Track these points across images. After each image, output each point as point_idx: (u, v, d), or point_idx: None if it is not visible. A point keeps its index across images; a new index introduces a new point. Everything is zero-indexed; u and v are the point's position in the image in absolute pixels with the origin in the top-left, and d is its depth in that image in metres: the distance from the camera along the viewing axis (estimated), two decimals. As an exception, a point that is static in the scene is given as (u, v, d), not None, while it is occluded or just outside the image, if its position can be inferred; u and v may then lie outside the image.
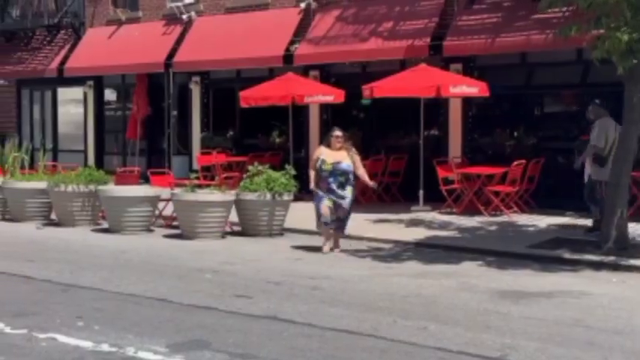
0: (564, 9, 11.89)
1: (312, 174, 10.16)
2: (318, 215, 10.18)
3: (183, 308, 7.13)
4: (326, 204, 10.05)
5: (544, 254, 9.87)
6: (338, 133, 10.26)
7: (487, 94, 13.34)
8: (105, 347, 5.83)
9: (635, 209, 11.74)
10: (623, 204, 9.96)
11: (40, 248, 10.66)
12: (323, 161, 10.04)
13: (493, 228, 11.90)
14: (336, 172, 10.02)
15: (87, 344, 5.90)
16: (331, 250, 10.21)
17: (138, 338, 6.06)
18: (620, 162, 10.01)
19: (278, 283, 8.29)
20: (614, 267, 9.21)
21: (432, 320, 6.68)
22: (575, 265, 9.38)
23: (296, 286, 8.08)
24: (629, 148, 9.96)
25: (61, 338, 6.06)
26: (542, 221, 12.31)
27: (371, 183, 10.66)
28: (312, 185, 10.16)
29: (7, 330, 6.32)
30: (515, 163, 12.93)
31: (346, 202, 10.07)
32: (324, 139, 10.46)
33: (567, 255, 9.74)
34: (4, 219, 13.65)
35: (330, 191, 10.05)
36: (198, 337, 6.11)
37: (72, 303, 7.31)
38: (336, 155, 10.11)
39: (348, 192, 10.08)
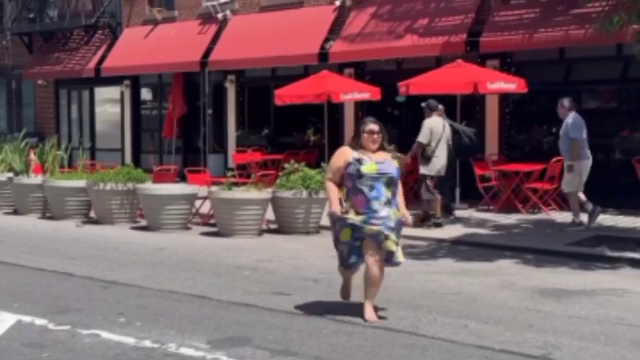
0: (604, 3, 11.72)
1: (332, 190, 6.58)
2: (343, 259, 6.70)
3: (223, 305, 7.17)
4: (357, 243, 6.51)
5: (583, 252, 9.74)
6: (373, 126, 6.58)
7: (525, 90, 13.21)
8: (147, 343, 5.89)
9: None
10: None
11: (80, 245, 10.79)
12: (358, 162, 6.46)
13: (531, 226, 11.77)
14: (382, 178, 6.44)
15: (129, 340, 5.97)
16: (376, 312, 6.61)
17: (179, 335, 6.10)
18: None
19: (316, 281, 8.29)
20: (657, 265, 9.07)
21: (472, 318, 6.63)
22: (615, 262, 9.25)
23: (333, 283, 8.04)
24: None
25: (104, 334, 6.13)
26: (581, 219, 12.12)
27: (409, 218, 6.73)
28: (334, 207, 6.47)
29: (51, 326, 6.41)
30: (554, 159, 12.78)
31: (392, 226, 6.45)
32: (353, 138, 6.77)
33: (608, 253, 9.61)
34: (44, 217, 13.85)
35: (369, 214, 6.39)
36: (239, 334, 6.14)
37: (113, 300, 7.39)
38: (376, 156, 6.58)
39: (394, 215, 6.48)
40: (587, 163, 11.34)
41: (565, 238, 10.58)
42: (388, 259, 6.46)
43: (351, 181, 6.44)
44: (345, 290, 6.99)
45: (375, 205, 6.36)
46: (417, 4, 15.41)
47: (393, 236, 6.38)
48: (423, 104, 12.32)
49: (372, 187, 6.36)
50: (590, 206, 11.25)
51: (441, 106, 12.30)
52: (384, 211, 6.37)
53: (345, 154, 6.60)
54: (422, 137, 11.78)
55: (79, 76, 21.35)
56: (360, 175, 6.38)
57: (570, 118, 11.35)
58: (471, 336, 6.08)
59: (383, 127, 6.62)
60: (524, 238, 10.83)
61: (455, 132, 12.19)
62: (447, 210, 12.39)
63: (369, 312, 6.49)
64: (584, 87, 14.50)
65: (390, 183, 6.44)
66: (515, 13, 14.10)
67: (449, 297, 7.53)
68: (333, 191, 6.53)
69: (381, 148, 6.61)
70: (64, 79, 22.43)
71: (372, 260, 6.42)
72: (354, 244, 6.47)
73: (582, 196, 11.28)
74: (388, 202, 6.40)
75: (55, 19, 22.75)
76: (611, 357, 5.62)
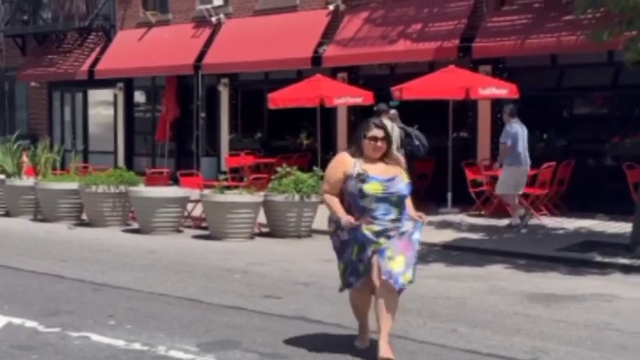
0: (595, 10, 11.79)
1: (332, 200, 5.57)
2: (345, 280, 5.71)
3: (213, 308, 7.19)
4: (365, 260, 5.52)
5: (574, 257, 9.79)
6: (377, 132, 5.58)
7: (517, 95, 13.27)
8: (137, 346, 5.90)
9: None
10: (655, 207, 9.87)
11: (72, 248, 10.79)
12: (360, 179, 5.45)
13: (522, 231, 11.82)
14: (390, 198, 5.47)
15: (119, 343, 5.98)
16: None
17: (169, 337, 6.12)
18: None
19: (307, 284, 8.32)
20: (646, 270, 9.12)
21: (461, 322, 6.67)
22: (604, 268, 9.30)
23: (325, 287, 8.09)
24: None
25: (94, 337, 6.14)
26: (572, 224, 12.21)
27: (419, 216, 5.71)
28: (343, 216, 5.48)
29: (41, 328, 6.41)
30: (545, 165, 12.85)
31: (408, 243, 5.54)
32: (351, 143, 5.82)
33: (597, 258, 9.66)
34: (36, 219, 13.84)
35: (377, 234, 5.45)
36: (228, 337, 6.16)
37: (104, 302, 7.40)
38: (381, 169, 5.56)
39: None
40: (520, 170, 11.86)
41: (556, 243, 10.63)
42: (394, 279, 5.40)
43: (352, 199, 5.50)
44: (361, 333, 5.85)
45: (383, 221, 5.44)
46: (410, 9, 15.47)
47: (402, 257, 5.41)
48: (375, 108, 12.92)
49: (378, 207, 5.43)
50: (522, 211, 11.92)
51: (393, 111, 12.92)
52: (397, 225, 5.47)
53: (344, 164, 5.56)
54: None
55: (73, 78, 21.35)
56: (362, 195, 5.44)
57: (509, 124, 12.02)
58: (459, 340, 6.12)
59: (389, 132, 5.72)
60: (515, 243, 10.88)
61: (407, 135, 12.66)
62: None
63: (383, 349, 5.39)
64: (576, 93, 14.59)
65: (400, 202, 5.49)
66: (508, 19, 14.18)
67: (439, 301, 7.57)
68: (335, 201, 5.54)
69: (386, 156, 5.61)
70: (57, 81, 22.42)
71: (380, 285, 5.42)
72: (356, 264, 5.53)
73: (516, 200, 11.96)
74: (398, 220, 5.48)
75: (48, 22, 22.76)
76: (598, 362, 5.67)
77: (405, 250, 5.46)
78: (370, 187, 5.42)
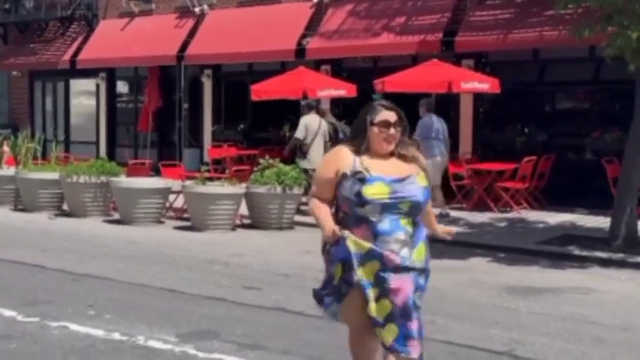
0: (577, 5, 11.86)
1: (317, 207, 4.10)
2: (319, 297, 4.22)
3: (193, 299, 7.19)
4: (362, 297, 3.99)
5: (553, 251, 9.88)
6: (389, 115, 4.06)
7: (498, 90, 13.32)
8: (116, 336, 5.90)
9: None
10: (633, 202, 9.97)
11: (52, 238, 10.75)
12: (359, 178, 3.95)
13: (503, 224, 11.90)
14: (398, 206, 3.96)
15: (98, 333, 5.98)
16: None
17: (148, 328, 6.12)
18: (630, 159, 10.01)
19: (287, 276, 8.34)
20: (623, 264, 9.22)
21: (440, 314, 6.70)
22: (583, 261, 9.39)
23: (305, 278, 8.11)
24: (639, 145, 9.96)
25: (73, 327, 6.13)
26: (552, 218, 12.31)
27: (448, 232, 4.44)
28: (327, 226, 3.98)
29: (20, 318, 6.40)
30: (526, 159, 12.93)
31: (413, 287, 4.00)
32: (353, 134, 4.19)
33: (576, 252, 9.76)
34: (16, 209, 13.76)
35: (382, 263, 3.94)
36: (208, 328, 6.18)
37: (83, 292, 7.39)
38: (390, 166, 4.05)
39: (419, 255, 4.04)
40: (435, 161, 12.09)
41: (536, 236, 10.72)
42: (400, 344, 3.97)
43: (348, 207, 3.97)
44: None
45: (387, 242, 3.91)
46: (394, 2, 15.49)
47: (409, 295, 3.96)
48: (303, 102, 13.29)
49: (382, 220, 3.90)
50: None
51: (324, 106, 13.56)
52: (404, 252, 3.93)
53: (339, 161, 4.03)
54: (298, 133, 12.77)
55: (55, 67, 21.18)
56: (361, 202, 3.88)
57: (425, 118, 12.50)
58: (437, 332, 6.16)
59: (404, 117, 4.10)
60: (496, 236, 10.95)
61: (335, 130, 13.24)
62: None
63: None
64: (557, 88, 14.68)
65: (414, 212, 3.98)
66: (491, 14, 14.23)
67: (418, 293, 7.60)
68: (321, 209, 4.04)
69: (400, 148, 4.05)
70: (39, 70, 22.25)
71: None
72: (339, 288, 4.04)
73: None
74: (410, 239, 3.95)
75: (30, 10, 22.56)
76: (574, 353, 5.73)
77: (401, 295, 3.90)
78: (371, 191, 3.87)
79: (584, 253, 9.64)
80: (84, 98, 22.10)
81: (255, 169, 12.30)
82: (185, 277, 8.16)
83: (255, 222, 11.79)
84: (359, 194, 3.91)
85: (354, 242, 3.94)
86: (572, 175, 13.37)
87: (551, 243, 10.29)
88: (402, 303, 3.92)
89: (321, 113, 13.36)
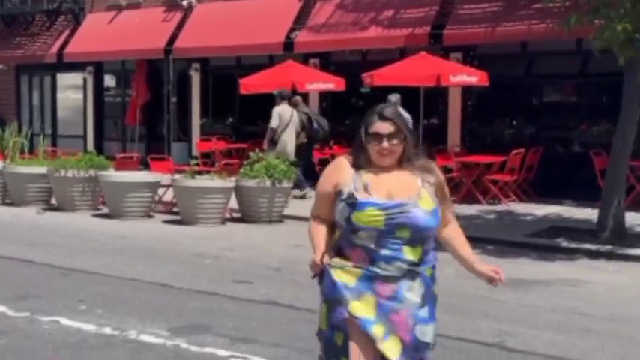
0: (564, -1, 11.93)
1: (313, 233, 3.55)
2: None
3: (184, 293, 7.20)
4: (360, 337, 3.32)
5: (542, 243, 9.94)
6: (381, 127, 3.40)
7: (486, 83, 13.37)
8: (107, 330, 5.90)
9: (632, 199, 11.81)
10: (620, 193, 10.04)
11: (40, 233, 10.71)
12: (351, 203, 3.34)
13: (491, 217, 11.96)
14: (399, 232, 3.33)
15: (89, 327, 5.97)
16: None
17: (140, 322, 6.12)
18: (617, 152, 10.07)
19: (277, 269, 8.35)
20: (611, 256, 9.29)
21: (430, 307, 6.74)
22: (572, 253, 9.46)
23: (295, 272, 8.13)
24: (628, 138, 10.02)
25: (64, 321, 6.13)
26: (540, 210, 12.38)
27: (496, 276, 3.58)
28: (317, 257, 3.42)
29: (10, 313, 6.38)
30: (514, 152, 12.98)
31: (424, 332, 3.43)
32: (355, 144, 3.48)
33: (564, 244, 9.82)
34: (4, 203, 13.69)
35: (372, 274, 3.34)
36: (199, 322, 6.18)
37: (73, 287, 7.37)
38: (394, 182, 3.40)
39: (416, 296, 3.42)
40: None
41: (524, 229, 10.77)
42: None
43: (341, 229, 3.43)
44: None
45: (386, 269, 3.33)
46: (382, -5, 15.49)
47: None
48: (275, 92, 13.60)
49: (381, 245, 3.33)
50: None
51: (298, 97, 13.86)
52: (402, 283, 3.35)
53: (337, 173, 3.47)
54: (272, 123, 13.16)
55: (41, 61, 21.06)
56: (352, 229, 3.34)
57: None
58: (428, 324, 6.19)
59: (406, 122, 3.48)
60: (485, 228, 11.00)
61: (309, 120, 13.61)
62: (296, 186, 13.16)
63: None
64: (545, 81, 14.74)
65: (417, 239, 3.37)
66: (479, 7, 14.26)
67: (408, 286, 7.64)
68: (315, 232, 3.51)
69: (407, 161, 3.43)
70: (25, 64, 22.11)
71: None
72: (330, 338, 3.40)
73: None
74: (414, 267, 3.37)
75: (17, 4, 22.39)
76: (563, 344, 5.78)
77: (404, 330, 3.35)
78: (362, 218, 3.32)
79: (573, 245, 9.70)
80: (71, 92, 21.98)
81: (245, 162, 12.29)
82: (175, 272, 8.16)
83: (245, 216, 11.79)
84: (348, 220, 3.34)
85: (343, 270, 3.34)
86: (560, 167, 13.44)
87: (540, 235, 10.35)
88: (409, 339, 3.35)
89: (293, 104, 13.63)
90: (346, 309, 3.30)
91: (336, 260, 3.38)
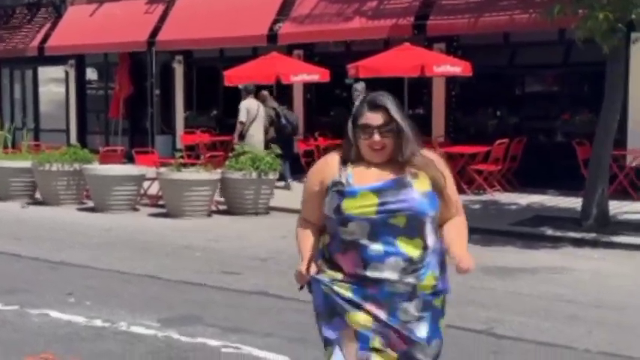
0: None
1: (300, 238, 3.24)
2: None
3: (173, 285, 7.21)
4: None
5: (526, 231, 10.02)
6: (372, 118, 3.08)
7: (470, 73, 13.43)
8: (98, 322, 5.90)
9: (615, 187, 11.93)
10: (604, 182, 10.13)
11: (26, 227, 10.66)
12: (340, 190, 3.04)
13: (476, 206, 12.03)
14: (389, 222, 3.01)
15: (79, 319, 5.97)
16: None
17: (130, 314, 6.13)
18: (600, 141, 10.17)
19: (265, 260, 8.38)
20: (595, 243, 9.38)
21: (418, 295, 6.79)
22: (556, 242, 9.54)
23: (283, 262, 8.15)
24: (610, 127, 10.11)
25: (54, 314, 6.12)
26: (524, 199, 12.48)
27: (468, 265, 3.20)
28: (303, 267, 3.15)
29: (-1, 306, 6.37)
30: (498, 142, 13.06)
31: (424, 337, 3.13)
32: (345, 141, 3.14)
33: (549, 232, 9.91)
34: (-13, 198, 13.60)
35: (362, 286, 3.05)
36: (190, 313, 6.20)
37: (62, 280, 7.36)
38: (380, 171, 3.07)
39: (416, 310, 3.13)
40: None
41: (509, 218, 10.86)
42: None
43: (331, 228, 3.12)
44: None
45: (380, 270, 3.02)
46: (365, -14, 15.48)
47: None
48: (241, 87, 13.80)
49: (373, 240, 3.02)
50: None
51: (265, 92, 14.00)
52: (402, 297, 3.06)
53: (323, 169, 3.17)
54: (241, 117, 13.23)
55: (22, 55, 20.89)
56: (342, 220, 3.04)
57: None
58: (417, 312, 6.24)
59: (400, 111, 3.14)
60: (470, 218, 10.95)
61: (277, 115, 13.78)
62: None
63: None
64: (528, 71, 14.83)
65: (414, 229, 3.04)
66: (462, -3, 14.30)
67: (396, 275, 7.69)
68: (302, 237, 3.23)
69: (401, 156, 3.09)
70: (6, 57, 21.90)
71: None
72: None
73: None
74: (413, 265, 3.05)
75: (-4, -3, 22.21)
76: (550, 331, 5.85)
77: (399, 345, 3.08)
78: (352, 204, 3.01)
79: (558, 234, 9.80)
80: (53, 85, 21.82)
81: (231, 154, 12.29)
82: (163, 264, 8.16)
83: (231, 208, 11.79)
84: (338, 210, 3.02)
85: (333, 286, 3.06)
86: (543, 157, 13.54)
87: (525, 224, 10.44)
88: (404, 354, 3.06)
89: (261, 99, 13.75)
90: (344, 320, 3.05)
91: (327, 275, 3.09)
